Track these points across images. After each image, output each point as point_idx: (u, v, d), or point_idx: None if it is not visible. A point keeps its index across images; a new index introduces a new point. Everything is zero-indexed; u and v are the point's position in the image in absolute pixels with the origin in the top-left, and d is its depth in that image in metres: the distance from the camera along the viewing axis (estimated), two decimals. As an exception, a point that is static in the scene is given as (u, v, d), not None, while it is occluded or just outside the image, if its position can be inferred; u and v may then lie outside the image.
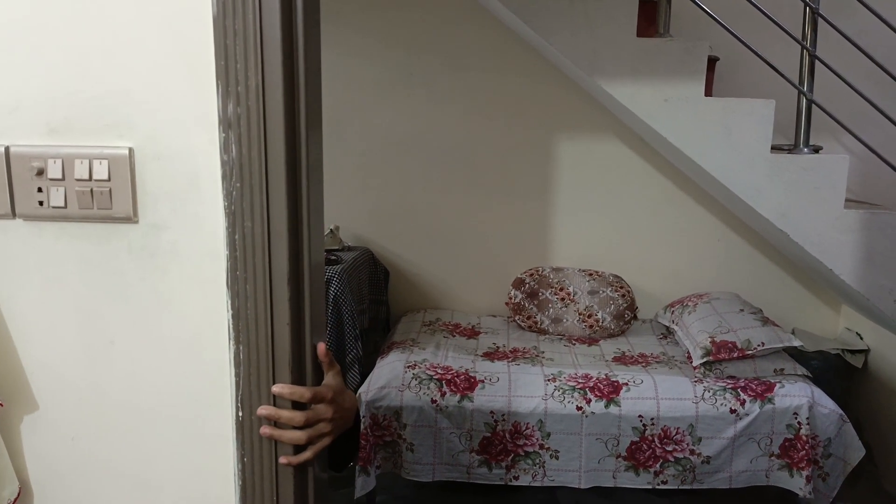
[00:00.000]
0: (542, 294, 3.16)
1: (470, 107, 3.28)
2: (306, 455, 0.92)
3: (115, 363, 0.89)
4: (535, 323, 3.14)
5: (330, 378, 0.95)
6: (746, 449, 2.50)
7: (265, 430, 0.89)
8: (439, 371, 2.60)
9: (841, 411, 2.51)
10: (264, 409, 0.88)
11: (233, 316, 0.87)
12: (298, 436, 0.90)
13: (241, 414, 0.89)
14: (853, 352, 3.08)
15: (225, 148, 0.83)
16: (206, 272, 0.86)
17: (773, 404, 2.49)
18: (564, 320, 3.11)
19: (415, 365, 2.62)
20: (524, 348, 2.94)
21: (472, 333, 3.10)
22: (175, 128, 0.84)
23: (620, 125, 3.20)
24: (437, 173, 3.33)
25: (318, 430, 0.92)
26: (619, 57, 2.42)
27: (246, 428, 0.89)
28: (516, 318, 3.20)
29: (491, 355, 2.83)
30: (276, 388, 0.88)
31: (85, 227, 0.88)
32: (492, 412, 2.52)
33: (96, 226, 0.87)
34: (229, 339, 0.87)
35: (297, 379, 0.90)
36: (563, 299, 3.14)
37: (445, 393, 2.53)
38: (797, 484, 2.50)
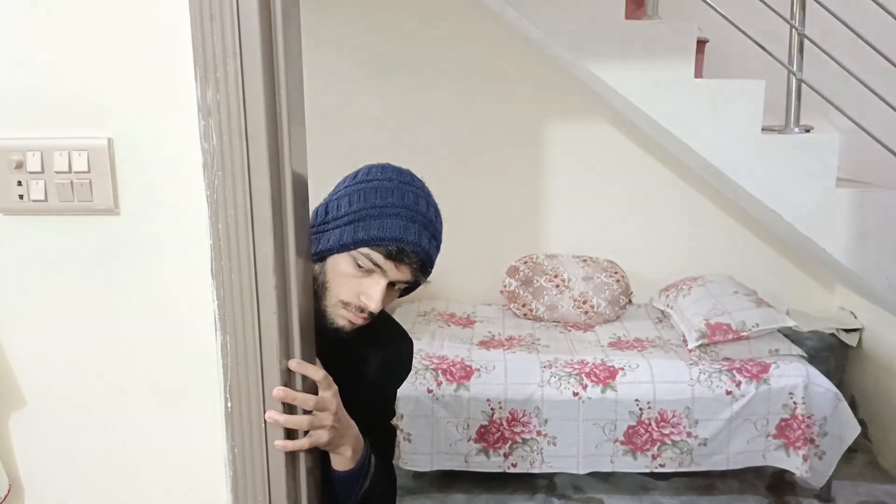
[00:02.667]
0: (537, 281, 3.15)
1: (459, 94, 3.26)
2: (303, 442, 0.91)
3: (101, 357, 0.88)
4: (531, 310, 3.14)
5: (330, 394, 0.94)
6: (743, 430, 2.51)
7: (272, 415, 0.87)
8: (435, 361, 2.60)
9: (836, 390, 2.52)
10: (280, 391, 0.87)
11: (218, 306, 0.86)
12: (300, 420, 0.90)
13: (230, 404, 0.88)
14: (847, 330, 3.09)
15: (205, 136, 0.82)
16: (190, 262, 0.85)
17: (769, 385, 2.50)
18: (559, 307, 3.11)
19: (410, 355, 2.61)
20: (520, 336, 2.94)
21: (468, 322, 3.10)
22: (154, 116, 0.83)
23: (610, 109, 3.19)
24: (427, 162, 3.26)
25: (320, 419, 0.92)
26: (608, 40, 2.40)
27: (235, 418, 0.89)
28: (511, 306, 3.20)
29: (486, 344, 2.83)
30: (277, 392, 0.87)
31: (66, 220, 0.86)
32: (488, 400, 2.52)
33: (77, 218, 0.86)
34: (216, 329, 0.86)
35: (286, 368, 0.89)
36: (557, 286, 3.13)
37: (442, 382, 2.53)
38: (794, 463, 2.51)
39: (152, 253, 0.86)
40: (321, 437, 0.93)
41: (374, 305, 0.97)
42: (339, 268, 0.98)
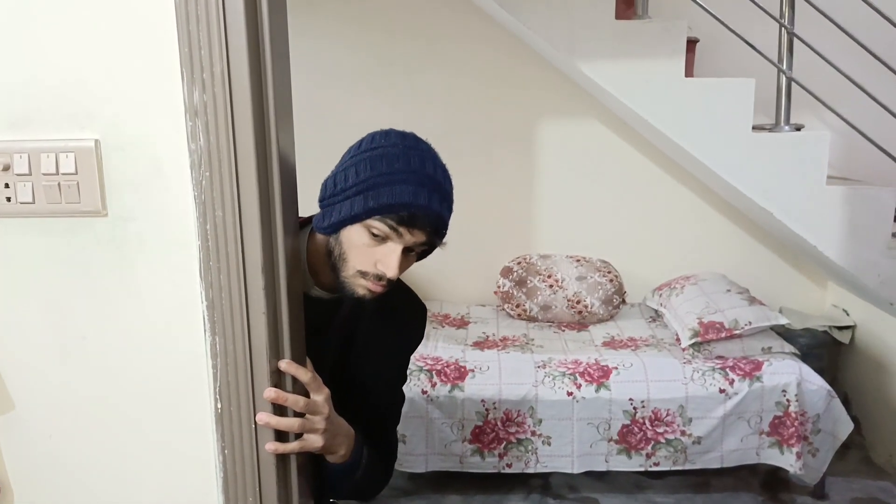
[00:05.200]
0: (531, 282, 3.16)
1: (451, 95, 3.26)
2: (294, 445, 0.91)
3: (89, 359, 0.88)
4: (525, 311, 3.14)
5: (322, 399, 0.94)
6: (736, 428, 2.52)
7: (263, 416, 0.88)
8: (429, 362, 2.60)
9: (829, 387, 2.53)
10: (271, 392, 0.87)
11: (207, 307, 0.86)
12: (291, 422, 0.90)
13: (220, 405, 0.88)
14: (840, 328, 3.10)
15: (192, 136, 0.82)
16: (177, 263, 0.85)
17: (762, 382, 2.51)
18: (553, 307, 3.12)
19: (404, 356, 2.61)
20: (514, 336, 2.95)
21: (462, 323, 3.10)
22: (141, 118, 0.83)
23: (602, 108, 3.20)
24: (421, 164, 3.31)
25: (312, 423, 0.92)
26: (598, 39, 2.41)
27: (226, 419, 0.89)
28: (505, 306, 3.20)
29: (481, 344, 2.83)
30: (268, 393, 0.87)
31: (54, 222, 0.86)
32: (483, 401, 2.52)
33: (65, 220, 0.86)
34: (205, 330, 0.86)
35: (274, 367, 0.89)
36: (551, 286, 3.14)
37: (436, 383, 2.53)
38: (788, 460, 2.52)
39: (140, 254, 0.86)
40: (314, 442, 0.93)
41: (391, 273, 0.97)
42: (354, 239, 0.97)
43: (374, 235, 0.96)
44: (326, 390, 0.95)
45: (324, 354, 1.05)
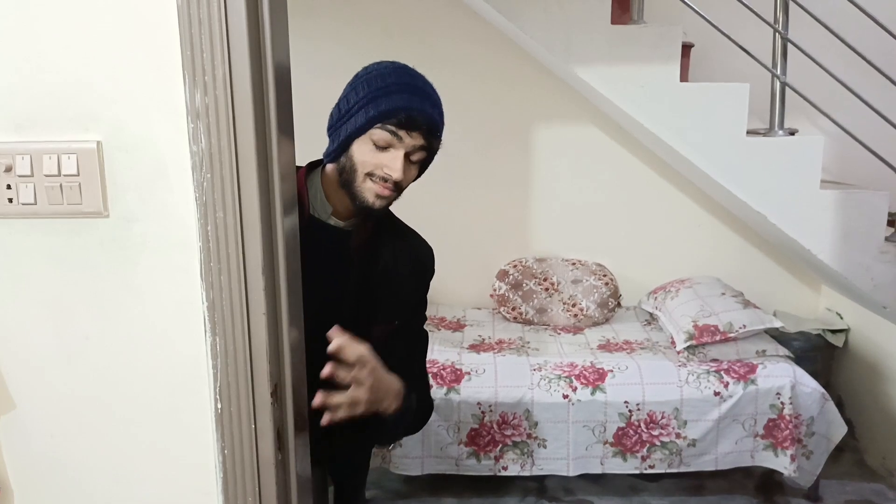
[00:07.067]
0: (527, 285, 3.17)
1: (448, 98, 3.25)
2: (342, 397, 1.05)
3: (91, 359, 0.88)
4: (520, 314, 3.15)
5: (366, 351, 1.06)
6: (731, 430, 2.53)
7: (319, 399, 1.03)
8: (425, 364, 2.60)
9: (823, 390, 2.55)
10: (329, 369, 1.03)
11: (208, 308, 0.86)
12: (340, 398, 1.05)
13: (220, 406, 0.89)
14: (834, 331, 3.12)
15: (194, 138, 0.83)
16: (178, 264, 0.85)
17: (756, 385, 2.52)
18: (549, 310, 3.13)
19: (401, 359, 2.61)
20: (510, 339, 2.95)
21: (458, 326, 3.11)
22: (143, 120, 0.83)
23: (598, 113, 3.22)
24: (418, 167, 3.32)
25: (358, 376, 1.05)
26: (594, 44, 2.43)
27: (226, 420, 0.89)
28: (501, 309, 3.21)
29: (477, 347, 2.83)
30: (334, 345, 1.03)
31: (55, 223, 0.87)
32: (479, 403, 2.52)
33: (67, 221, 0.86)
34: (205, 330, 0.86)
35: (275, 369, 0.90)
36: (547, 289, 3.15)
37: (432, 386, 2.53)
38: (782, 463, 2.53)
39: (141, 255, 0.86)
40: (360, 395, 1.06)
41: (396, 174, 1.10)
42: (361, 149, 1.11)
43: (377, 145, 1.09)
44: (365, 343, 1.06)
45: (346, 286, 1.18)
